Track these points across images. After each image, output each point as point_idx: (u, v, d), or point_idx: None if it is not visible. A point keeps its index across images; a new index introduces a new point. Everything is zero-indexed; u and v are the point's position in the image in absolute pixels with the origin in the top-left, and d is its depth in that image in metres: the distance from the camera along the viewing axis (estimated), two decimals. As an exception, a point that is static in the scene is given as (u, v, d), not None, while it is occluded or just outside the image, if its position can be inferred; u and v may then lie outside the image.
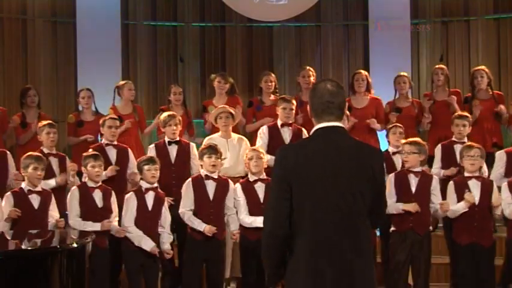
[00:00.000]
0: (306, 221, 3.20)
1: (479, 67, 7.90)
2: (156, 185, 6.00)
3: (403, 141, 6.24)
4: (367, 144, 3.56)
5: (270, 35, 9.93)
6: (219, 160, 6.01)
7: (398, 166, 6.40)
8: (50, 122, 6.62)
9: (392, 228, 5.98)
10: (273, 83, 7.79)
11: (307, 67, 8.05)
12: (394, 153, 6.55)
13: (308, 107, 3.40)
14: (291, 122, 6.87)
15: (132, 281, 5.90)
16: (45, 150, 6.38)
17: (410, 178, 5.96)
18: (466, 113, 6.86)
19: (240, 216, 5.98)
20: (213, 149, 6.00)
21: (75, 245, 4.46)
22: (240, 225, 6.01)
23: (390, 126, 6.89)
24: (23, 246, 4.89)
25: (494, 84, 8.74)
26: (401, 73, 7.82)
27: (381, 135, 7.58)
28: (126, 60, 9.58)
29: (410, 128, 7.51)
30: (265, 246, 3.29)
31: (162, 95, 8.48)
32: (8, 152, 6.53)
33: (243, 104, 7.88)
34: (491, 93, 7.60)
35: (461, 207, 5.86)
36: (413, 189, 5.92)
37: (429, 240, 5.97)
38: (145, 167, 5.94)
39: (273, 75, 7.88)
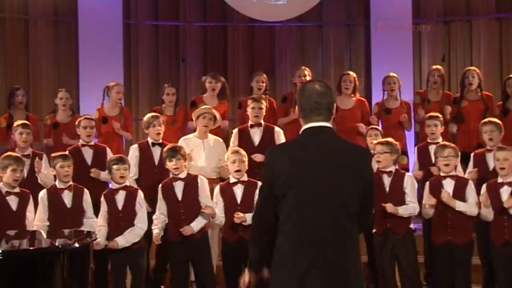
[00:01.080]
0: (293, 222, 3.21)
1: (471, 67, 7.88)
2: (126, 183, 5.94)
3: (375, 141, 6.25)
4: (355, 144, 3.57)
5: (271, 34, 9.88)
6: (181, 161, 5.95)
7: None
8: (25, 122, 6.63)
9: (374, 230, 5.99)
10: (264, 84, 7.75)
11: (303, 67, 8.04)
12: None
13: (296, 107, 3.41)
14: (260, 122, 6.81)
15: (117, 280, 5.88)
16: (19, 151, 6.35)
17: (383, 178, 5.93)
18: (436, 114, 6.82)
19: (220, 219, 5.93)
20: (172, 151, 5.93)
21: (76, 245, 4.44)
22: (221, 228, 5.99)
23: (367, 128, 6.94)
24: (7, 247, 4.85)
25: (496, 84, 8.76)
26: (390, 73, 7.80)
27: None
28: (128, 60, 9.58)
29: (398, 129, 7.52)
30: (252, 239, 3.47)
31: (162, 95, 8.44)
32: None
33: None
34: (480, 94, 7.61)
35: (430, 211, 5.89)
36: (387, 189, 5.92)
37: (412, 239, 5.94)
38: (114, 167, 5.89)
39: (264, 75, 7.83)
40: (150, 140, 6.57)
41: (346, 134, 7.18)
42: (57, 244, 4.65)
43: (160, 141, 6.55)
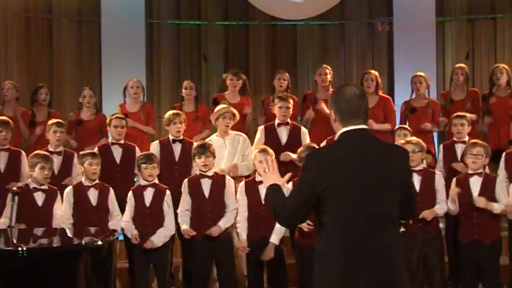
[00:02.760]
0: (335, 224, 3.23)
1: (499, 64, 7.81)
2: (155, 181, 5.98)
3: (402, 141, 6.21)
4: (394, 145, 3.59)
5: (293, 33, 9.89)
6: (210, 159, 5.97)
7: None
8: (59, 120, 6.66)
9: (402, 229, 5.92)
10: (286, 82, 7.72)
11: (324, 65, 8.00)
12: None
13: (331, 111, 3.39)
14: (287, 121, 6.79)
15: (140, 277, 5.89)
16: (50, 148, 6.41)
17: (413, 177, 5.91)
18: (464, 113, 6.76)
19: (238, 217, 5.91)
20: (203, 148, 5.95)
21: (100, 242, 4.46)
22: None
23: (396, 127, 6.89)
24: (34, 245, 4.89)
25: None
26: (418, 73, 7.73)
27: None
28: (150, 59, 9.63)
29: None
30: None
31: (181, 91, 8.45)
32: (23, 152, 6.53)
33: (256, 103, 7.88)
34: (509, 91, 7.52)
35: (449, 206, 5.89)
36: (417, 188, 5.88)
37: (441, 238, 5.94)
38: (143, 165, 5.94)
39: (286, 74, 7.81)
40: (171, 137, 6.61)
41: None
42: (81, 242, 4.69)
43: (181, 137, 6.58)
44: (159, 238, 5.85)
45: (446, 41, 9.63)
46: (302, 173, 3.33)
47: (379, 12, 9.82)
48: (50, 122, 6.60)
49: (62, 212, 5.83)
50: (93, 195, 5.87)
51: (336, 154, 3.30)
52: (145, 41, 9.44)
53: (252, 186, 5.93)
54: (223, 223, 5.86)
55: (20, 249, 4.16)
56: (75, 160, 6.46)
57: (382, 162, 3.28)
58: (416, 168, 5.90)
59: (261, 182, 5.86)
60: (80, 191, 5.88)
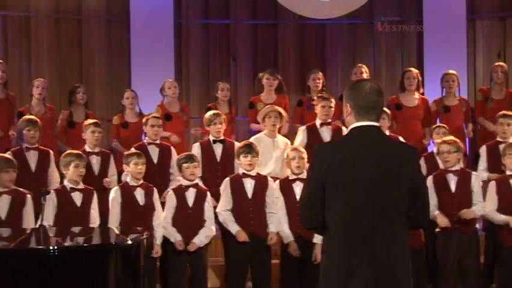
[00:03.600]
0: (338, 220, 3.27)
1: None
2: (196, 181, 6.06)
3: (438, 140, 6.19)
4: (403, 142, 3.65)
5: (322, 32, 9.88)
6: (256, 159, 6.03)
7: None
8: (96, 121, 6.74)
9: (437, 229, 5.94)
10: (321, 81, 7.76)
11: (360, 64, 8.02)
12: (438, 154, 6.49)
13: (347, 105, 3.41)
14: (329, 120, 6.81)
15: (176, 278, 5.95)
16: (87, 149, 6.50)
17: (449, 178, 5.90)
18: (510, 112, 6.73)
19: (278, 216, 5.96)
20: (249, 148, 6.02)
21: (130, 242, 4.53)
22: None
23: (434, 126, 6.87)
24: (75, 243, 5.00)
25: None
26: (450, 71, 7.72)
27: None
28: (179, 59, 9.66)
29: (458, 127, 7.43)
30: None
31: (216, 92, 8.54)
32: (51, 152, 6.64)
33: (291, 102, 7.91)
34: None
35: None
36: (453, 188, 5.86)
37: (477, 240, 5.93)
38: (184, 165, 6.00)
39: (320, 73, 7.87)
40: (211, 138, 6.67)
41: (409, 132, 7.16)
42: (110, 241, 4.77)
43: (222, 138, 6.65)
44: (202, 240, 5.94)
45: (477, 40, 9.56)
46: (309, 166, 3.43)
47: (409, 11, 9.80)
48: (87, 122, 6.69)
49: (110, 213, 5.91)
50: (140, 195, 5.96)
51: (344, 148, 3.34)
52: (173, 41, 9.49)
53: (286, 185, 5.99)
54: (274, 228, 5.93)
55: (50, 248, 4.24)
56: (112, 159, 6.59)
57: (390, 158, 3.30)
58: (453, 169, 5.89)
59: (295, 180, 5.93)
60: (127, 191, 5.95)
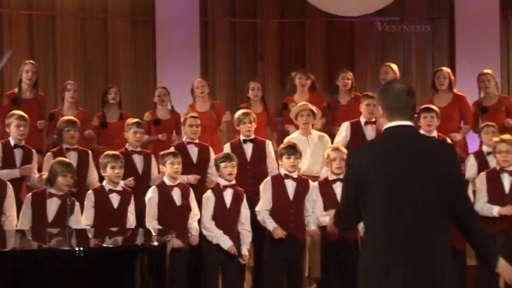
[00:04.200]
0: (377, 222, 3.31)
1: None
2: (234, 182, 6.07)
3: (496, 139, 6.12)
4: (439, 140, 3.71)
5: (351, 30, 9.84)
6: (299, 160, 6.03)
7: (493, 166, 6.26)
8: (138, 120, 6.77)
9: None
10: (350, 81, 7.75)
11: (387, 63, 7.98)
12: (488, 153, 6.42)
13: (379, 106, 3.47)
14: (374, 119, 6.79)
15: (209, 279, 5.98)
16: (130, 148, 6.55)
17: (503, 178, 5.84)
18: None
19: (317, 215, 5.98)
20: (292, 149, 6.04)
21: (156, 243, 4.54)
22: (319, 226, 6.00)
23: (482, 125, 6.78)
24: (105, 244, 5.04)
25: None
26: (485, 71, 7.65)
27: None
28: (205, 58, 9.66)
29: (499, 126, 7.34)
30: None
31: (242, 93, 8.56)
32: (89, 152, 6.69)
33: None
34: None
35: None
36: (506, 188, 5.79)
37: None
38: (222, 164, 6.02)
39: (350, 72, 7.87)
40: (241, 137, 6.68)
41: (443, 133, 7.08)
42: (136, 243, 4.79)
43: (253, 137, 6.65)
44: (248, 247, 6.04)
45: (511, 36, 9.43)
46: (346, 173, 3.49)
47: (441, 8, 9.71)
48: (129, 121, 6.72)
49: (146, 213, 5.95)
50: (176, 195, 6.00)
51: (378, 150, 3.39)
52: (199, 40, 9.49)
53: (326, 186, 5.99)
54: (314, 226, 5.96)
55: (76, 249, 4.27)
56: (153, 161, 6.62)
57: (426, 156, 3.33)
58: (509, 169, 5.82)
59: (335, 181, 5.92)
60: (164, 191, 5.99)
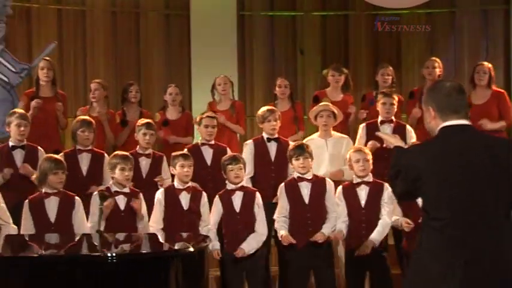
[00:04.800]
0: (443, 220, 3.33)
1: None
2: (243, 183, 6.00)
3: None
4: (498, 137, 3.79)
5: (397, 22, 9.59)
6: (309, 160, 5.94)
7: None
8: (148, 121, 6.70)
9: None
10: (390, 77, 7.64)
11: (433, 58, 7.86)
12: None
13: (429, 108, 3.48)
14: (391, 118, 6.74)
15: (232, 287, 5.93)
16: (140, 151, 6.50)
17: None
18: None
19: (337, 223, 5.88)
20: (301, 149, 5.95)
21: (191, 249, 4.52)
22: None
23: None
24: (126, 250, 5.01)
25: None
26: None
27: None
28: (242, 54, 9.59)
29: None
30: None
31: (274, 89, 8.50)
32: (105, 154, 6.64)
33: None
34: None
35: None
36: None
37: None
38: (229, 167, 5.96)
39: (390, 68, 7.72)
40: (265, 136, 6.61)
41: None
42: (173, 248, 4.77)
43: (277, 136, 6.57)
44: (251, 245, 5.87)
45: None
46: (394, 171, 3.48)
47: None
48: (139, 122, 6.68)
49: (152, 216, 5.92)
50: (185, 199, 5.94)
51: (436, 150, 3.41)
52: (236, 34, 9.44)
53: (350, 190, 5.90)
54: (327, 229, 5.85)
55: (109, 254, 4.25)
56: (165, 163, 6.57)
57: (486, 153, 3.37)
58: None
59: (359, 184, 5.84)
60: (171, 194, 5.94)
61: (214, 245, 5.85)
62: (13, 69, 7.26)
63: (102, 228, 5.05)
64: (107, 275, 4.12)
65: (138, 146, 6.60)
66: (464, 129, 3.44)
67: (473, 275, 3.26)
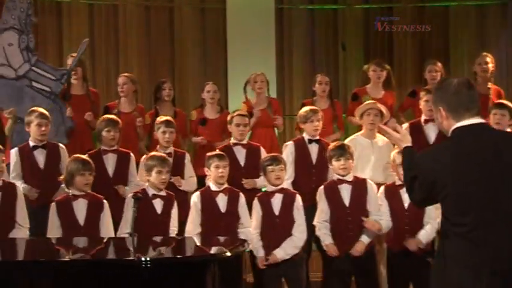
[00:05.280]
0: (459, 230, 3.34)
1: None
2: (283, 186, 5.97)
3: None
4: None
5: (445, 16, 9.66)
6: (350, 161, 5.90)
7: None
8: (167, 119, 6.65)
9: None
10: (439, 73, 7.54)
11: (484, 53, 7.75)
12: None
13: (439, 109, 3.47)
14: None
15: None
16: (160, 151, 6.40)
17: None
18: None
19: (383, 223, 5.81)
20: (341, 150, 5.89)
21: (228, 253, 4.51)
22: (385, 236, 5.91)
23: None
24: (161, 254, 5.02)
25: None
26: None
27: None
28: (280, 49, 9.63)
29: None
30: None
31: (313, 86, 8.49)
32: (131, 154, 6.63)
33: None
34: None
35: None
36: None
37: None
38: (269, 168, 5.92)
39: (439, 64, 7.60)
40: (306, 137, 6.59)
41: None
42: (208, 253, 4.77)
43: (318, 137, 6.56)
44: (286, 250, 5.82)
45: None
46: (414, 174, 3.48)
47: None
48: (158, 120, 6.65)
49: (189, 220, 5.87)
50: (222, 201, 5.91)
51: (450, 152, 3.39)
52: (275, 29, 9.43)
53: (393, 191, 5.87)
54: (367, 238, 5.82)
55: (143, 259, 4.26)
56: (187, 161, 6.57)
57: (501, 153, 3.37)
58: None
59: (402, 186, 5.80)
60: (208, 197, 5.91)
61: (259, 251, 5.84)
62: (53, 77, 7.29)
63: (101, 229, 5.07)
64: (141, 280, 4.11)
65: (158, 146, 6.58)
66: (478, 128, 3.42)
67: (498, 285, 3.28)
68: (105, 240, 5.42)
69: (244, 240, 5.01)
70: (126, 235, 5.52)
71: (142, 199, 5.33)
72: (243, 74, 8.38)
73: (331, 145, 6.12)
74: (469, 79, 3.54)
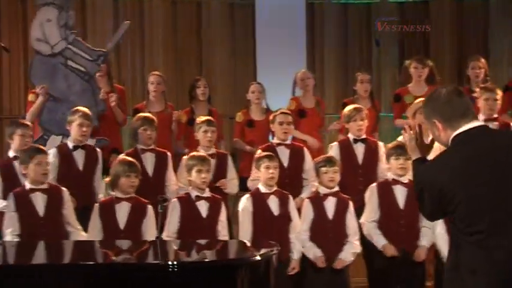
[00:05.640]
0: (471, 239, 3.34)
1: None
2: (336, 188, 5.97)
3: None
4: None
5: (485, 10, 9.61)
6: (409, 162, 5.87)
7: None
8: (209, 118, 6.65)
9: None
10: (483, 70, 7.47)
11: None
12: None
13: (434, 121, 3.48)
14: (495, 116, 6.58)
15: None
16: (201, 151, 6.39)
17: None
18: None
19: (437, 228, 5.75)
20: (401, 149, 5.84)
21: (258, 258, 4.50)
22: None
23: None
24: (194, 257, 5.03)
25: None
26: None
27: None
28: (311, 46, 9.59)
29: None
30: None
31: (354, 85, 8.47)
32: (168, 153, 6.63)
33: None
34: None
35: None
36: None
37: None
38: (323, 169, 5.94)
39: (482, 60, 7.55)
40: (351, 137, 6.58)
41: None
42: (235, 257, 4.77)
43: (364, 137, 6.57)
44: (348, 256, 5.89)
45: None
46: (421, 188, 3.49)
47: None
48: (199, 120, 6.65)
49: (240, 224, 5.95)
50: (274, 204, 5.93)
51: (454, 160, 3.40)
52: (305, 24, 9.44)
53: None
54: (427, 241, 5.83)
55: (169, 263, 4.28)
56: (230, 162, 6.58)
57: (505, 152, 3.39)
58: None
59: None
60: (259, 200, 5.93)
61: (316, 252, 5.86)
62: (89, 58, 7.30)
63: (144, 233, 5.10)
64: (169, 283, 4.13)
65: (199, 147, 6.57)
66: (481, 130, 3.44)
67: None
68: (144, 244, 5.42)
69: (276, 244, 5.00)
70: (168, 238, 5.59)
71: (167, 200, 5.34)
72: (272, 71, 8.40)
73: (391, 143, 6.17)
74: (457, 87, 3.58)
